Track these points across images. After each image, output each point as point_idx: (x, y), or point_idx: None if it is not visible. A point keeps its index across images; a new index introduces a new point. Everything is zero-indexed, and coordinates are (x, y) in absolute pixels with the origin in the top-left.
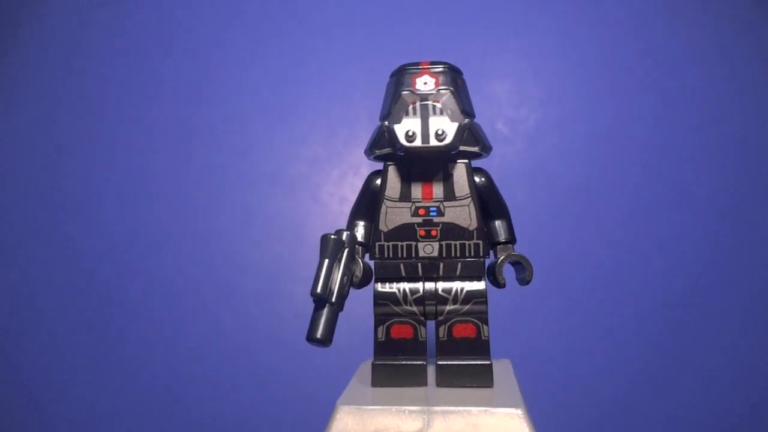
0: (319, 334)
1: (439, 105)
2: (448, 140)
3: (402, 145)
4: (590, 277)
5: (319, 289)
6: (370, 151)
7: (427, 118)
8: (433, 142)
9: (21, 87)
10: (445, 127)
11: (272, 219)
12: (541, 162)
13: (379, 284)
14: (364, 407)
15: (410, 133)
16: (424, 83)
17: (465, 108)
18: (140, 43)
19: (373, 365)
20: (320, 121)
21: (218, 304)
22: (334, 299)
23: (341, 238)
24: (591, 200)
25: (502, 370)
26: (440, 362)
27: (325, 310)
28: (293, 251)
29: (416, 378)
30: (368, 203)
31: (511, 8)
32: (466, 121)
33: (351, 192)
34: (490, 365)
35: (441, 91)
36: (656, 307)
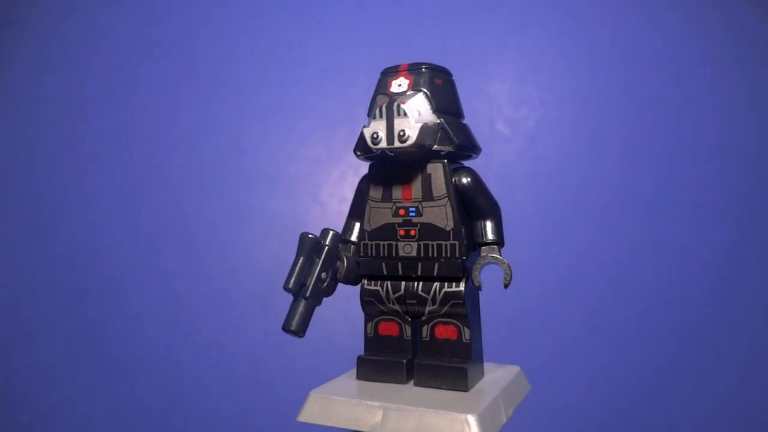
0: (292, 325)
1: (404, 106)
2: (410, 141)
3: (371, 147)
4: (591, 276)
5: (290, 285)
6: (355, 154)
7: (392, 120)
8: (396, 143)
9: (21, 87)
10: (406, 127)
11: (272, 219)
12: (541, 162)
13: (365, 281)
14: (331, 397)
15: (375, 135)
16: (399, 85)
17: (441, 107)
18: (140, 44)
19: (359, 359)
20: (320, 121)
21: (218, 303)
22: (308, 294)
23: (320, 237)
24: (591, 200)
25: (501, 376)
26: (420, 362)
27: (301, 304)
28: (293, 251)
29: (396, 375)
30: (359, 204)
31: (512, 9)
32: (439, 121)
33: (350, 192)
34: (466, 369)
35: (410, 92)
36: (657, 307)
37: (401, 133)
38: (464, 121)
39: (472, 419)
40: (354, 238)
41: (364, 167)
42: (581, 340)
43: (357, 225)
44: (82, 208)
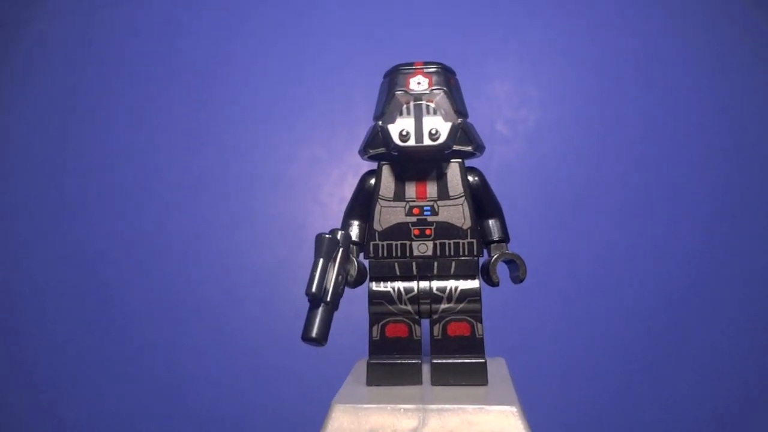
0: (314, 333)
1: (432, 105)
2: (441, 140)
3: (396, 145)
4: (588, 276)
5: (314, 289)
6: (364, 151)
7: (421, 118)
8: (427, 141)
9: (23, 87)
10: (438, 126)
11: (272, 219)
12: (540, 162)
13: (373, 283)
14: (360, 406)
15: (404, 133)
16: (418, 83)
17: (458, 108)
18: (141, 44)
19: (368, 364)
20: (320, 122)
21: (218, 303)
22: (329, 298)
23: (336, 238)
24: (590, 200)
25: (497, 368)
26: (435, 360)
27: (320, 310)
28: (293, 252)
29: (411, 376)
30: (362, 203)
31: (511, 9)
32: (460, 120)
33: (351, 192)
34: (485, 363)
35: (434, 90)
36: (653, 307)
37: (433, 131)
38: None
39: (516, 410)
40: (356, 238)
41: (364, 168)
42: (574, 338)
43: (358, 224)
44: (80, 209)
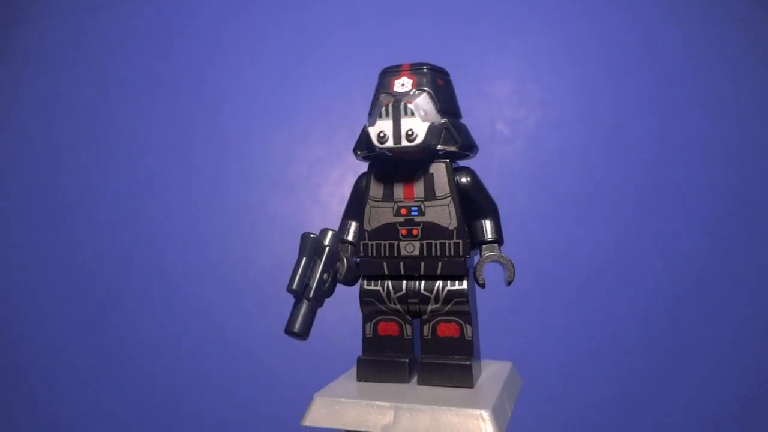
0: (295, 327)
1: (411, 106)
2: (418, 140)
3: (376, 147)
4: (590, 277)
5: (294, 285)
6: (354, 153)
7: (399, 119)
8: (404, 142)
9: (21, 87)
10: (415, 127)
11: (272, 219)
12: (541, 162)
13: (365, 282)
14: (337, 399)
15: (381, 135)
16: (402, 85)
17: (444, 108)
18: (140, 43)
19: (359, 360)
20: (320, 122)
21: (218, 303)
22: (311, 295)
23: (320, 237)
24: (590, 200)
25: (497, 372)
26: (422, 360)
27: (303, 306)
28: (293, 252)
29: (399, 375)
30: (357, 203)
31: (512, 9)
32: (443, 120)
33: (349, 193)
34: (470, 366)
35: (416, 92)
36: (655, 307)
37: (409, 132)
38: (462, 122)
39: (486, 414)
40: (350, 238)
41: (364, 168)
42: (579, 340)
43: (353, 225)
44: (80, 208)
